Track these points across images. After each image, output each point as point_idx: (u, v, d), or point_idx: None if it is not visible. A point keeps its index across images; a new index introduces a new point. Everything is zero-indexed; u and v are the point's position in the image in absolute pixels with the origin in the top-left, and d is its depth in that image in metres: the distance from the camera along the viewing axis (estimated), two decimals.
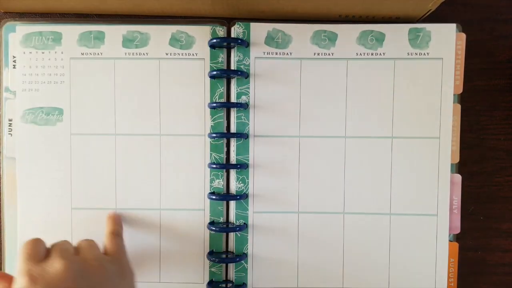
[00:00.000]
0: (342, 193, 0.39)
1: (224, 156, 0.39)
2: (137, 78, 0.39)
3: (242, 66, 0.39)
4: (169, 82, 0.39)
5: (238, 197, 0.38)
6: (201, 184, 0.39)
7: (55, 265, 0.30)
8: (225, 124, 0.39)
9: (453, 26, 0.38)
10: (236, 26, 0.39)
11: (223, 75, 0.38)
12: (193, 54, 0.39)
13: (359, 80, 0.38)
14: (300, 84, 0.39)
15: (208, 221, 0.39)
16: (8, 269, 0.40)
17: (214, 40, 0.38)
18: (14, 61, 0.40)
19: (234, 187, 0.39)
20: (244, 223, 0.39)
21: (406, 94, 0.38)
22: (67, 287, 0.30)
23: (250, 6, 0.38)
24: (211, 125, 0.39)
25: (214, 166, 0.38)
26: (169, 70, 0.39)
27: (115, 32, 0.39)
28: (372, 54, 0.38)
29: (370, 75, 0.38)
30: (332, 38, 0.38)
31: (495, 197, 0.41)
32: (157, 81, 0.39)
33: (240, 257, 0.38)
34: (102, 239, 0.36)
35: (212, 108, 0.39)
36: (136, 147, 0.39)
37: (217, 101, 0.39)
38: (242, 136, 0.38)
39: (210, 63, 0.39)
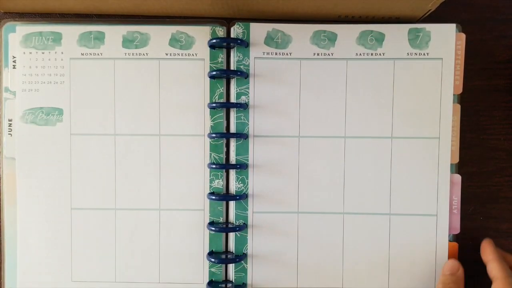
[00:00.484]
0: (341, 194, 0.39)
1: (223, 156, 0.39)
2: (137, 78, 0.39)
3: (241, 66, 0.39)
4: (169, 82, 0.39)
5: (237, 197, 0.38)
6: (201, 184, 0.39)
7: None
8: (225, 124, 0.39)
9: (452, 26, 0.38)
10: (236, 26, 0.39)
11: (222, 75, 0.38)
12: (193, 55, 0.39)
13: (358, 80, 0.38)
14: (300, 84, 0.39)
15: (208, 221, 0.39)
16: (8, 269, 0.40)
17: (214, 40, 0.38)
18: (14, 61, 0.40)
19: (233, 187, 0.39)
20: (244, 223, 0.39)
21: (406, 94, 0.38)
22: None
23: (250, 6, 0.38)
24: (211, 125, 0.39)
25: (214, 166, 0.38)
26: (169, 70, 0.39)
27: (115, 33, 0.39)
28: (371, 54, 0.38)
29: (370, 75, 0.38)
30: (331, 38, 0.38)
31: (495, 197, 0.41)
32: (157, 81, 0.39)
33: (239, 257, 0.38)
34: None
35: (211, 108, 0.39)
36: (136, 147, 0.39)
37: (216, 101, 0.39)
38: (242, 136, 0.38)
39: (210, 63, 0.39)
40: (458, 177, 0.39)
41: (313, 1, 0.36)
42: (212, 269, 0.39)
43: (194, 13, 0.40)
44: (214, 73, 0.38)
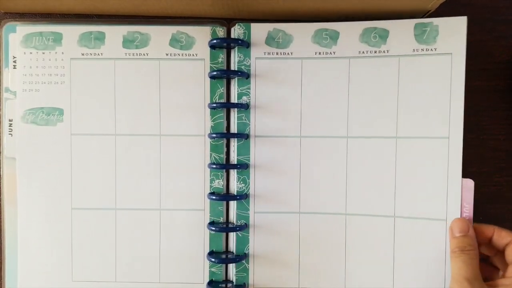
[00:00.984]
0: (344, 195, 0.38)
1: (224, 156, 0.39)
2: (137, 79, 0.39)
3: (243, 67, 0.39)
4: (169, 82, 0.39)
5: (238, 197, 0.38)
6: (201, 184, 0.39)
7: None
8: (225, 125, 0.39)
9: (463, 19, 0.36)
10: (236, 26, 0.39)
11: (223, 75, 0.39)
12: (193, 55, 0.39)
13: (361, 79, 0.38)
14: (301, 83, 0.38)
15: (208, 221, 0.39)
16: (8, 268, 0.40)
17: (215, 41, 0.38)
18: (15, 62, 0.40)
19: (234, 187, 0.39)
20: (245, 223, 0.39)
21: (412, 91, 0.37)
22: None
23: (250, 6, 0.38)
24: (211, 126, 0.39)
25: (214, 166, 0.38)
26: (169, 70, 0.39)
27: (115, 33, 0.39)
28: (375, 52, 0.37)
29: (374, 73, 0.37)
30: (333, 37, 0.38)
31: (495, 197, 0.41)
32: (157, 82, 0.39)
33: (240, 257, 0.38)
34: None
35: (212, 108, 0.39)
36: (136, 147, 0.39)
37: (217, 101, 0.39)
38: (243, 136, 0.38)
39: (210, 63, 0.39)
40: (470, 182, 0.36)
41: (314, 0, 0.36)
42: (213, 269, 0.39)
43: (195, 14, 0.41)
44: (215, 73, 0.38)
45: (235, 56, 0.39)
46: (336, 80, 0.38)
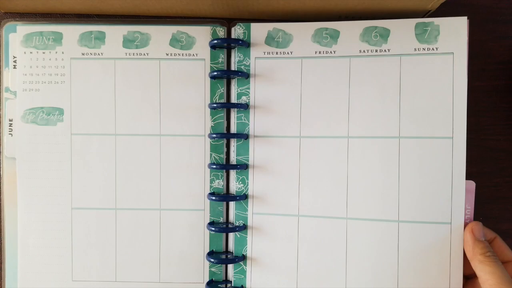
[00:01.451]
0: (344, 197, 0.37)
1: (224, 156, 0.39)
2: (137, 78, 0.39)
3: (242, 67, 0.39)
4: (169, 82, 0.39)
5: (237, 197, 0.38)
6: (201, 184, 0.39)
7: None
8: (225, 125, 0.39)
9: (464, 19, 0.36)
10: (237, 27, 0.39)
11: (223, 75, 0.39)
12: (193, 55, 0.39)
13: (362, 78, 0.37)
14: (301, 83, 0.38)
15: (208, 221, 0.39)
16: (8, 268, 0.40)
17: (215, 41, 0.38)
18: (15, 61, 0.40)
19: (234, 187, 0.39)
20: (244, 224, 0.39)
21: (414, 91, 0.36)
22: None
23: (250, 6, 0.38)
24: (211, 126, 0.39)
25: (214, 166, 0.38)
26: (170, 70, 0.39)
27: (115, 32, 0.39)
28: (376, 51, 0.37)
29: (374, 72, 0.37)
30: (333, 36, 0.38)
31: (494, 198, 0.41)
32: (157, 82, 0.39)
33: (238, 258, 0.38)
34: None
35: (212, 108, 0.39)
36: (136, 147, 0.39)
37: (217, 101, 0.39)
38: (242, 136, 0.38)
39: (211, 63, 0.39)
40: (471, 184, 0.36)
41: (314, 0, 0.36)
42: (212, 269, 0.39)
43: (195, 13, 0.41)
44: (215, 73, 0.38)
45: (235, 56, 0.39)
46: (336, 79, 0.38)
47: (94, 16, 0.42)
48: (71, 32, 0.39)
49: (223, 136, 0.39)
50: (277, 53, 0.38)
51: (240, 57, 0.39)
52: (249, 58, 0.38)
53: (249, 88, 0.39)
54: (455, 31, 0.36)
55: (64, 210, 0.39)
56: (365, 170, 0.37)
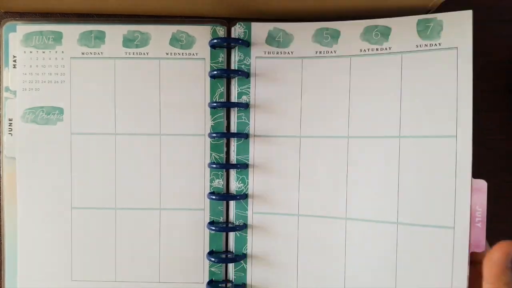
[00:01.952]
0: (344, 197, 0.37)
1: (224, 156, 0.39)
2: (137, 78, 0.39)
3: (242, 66, 0.39)
4: (169, 82, 0.39)
5: (237, 197, 0.38)
6: (201, 184, 0.39)
7: None
8: (225, 124, 0.39)
9: (469, 13, 0.34)
10: (237, 26, 0.39)
11: (223, 75, 0.39)
12: (193, 54, 0.39)
13: (363, 77, 0.37)
14: (301, 83, 0.38)
15: (208, 220, 0.39)
16: (8, 268, 0.39)
17: (215, 41, 0.38)
18: (15, 61, 0.40)
19: (234, 187, 0.39)
20: (244, 223, 0.39)
21: (416, 88, 0.35)
22: None
23: (250, 6, 0.38)
24: (211, 125, 0.39)
25: (214, 166, 0.38)
26: (170, 70, 0.39)
27: (115, 32, 0.39)
28: (377, 50, 0.37)
29: (375, 71, 0.36)
30: (334, 36, 0.37)
31: (494, 198, 0.41)
32: (157, 81, 0.39)
33: (239, 257, 0.38)
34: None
35: (212, 108, 0.39)
36: (137, 146, 0.39)
37: (217, 100, 0.39)
38: (242, 136, 0.38)
39: (211, 63, 0.39)
40: (483, 183, 0.33)
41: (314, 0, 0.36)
42: (212, 269, 0.39)
43: (195, 13, 0.41)
44: (215, 72, 0.38)
45: (235, 56, 0.39)
46: (336, 79, 0.37)
47: (94, 16, 0.42)
48: (71, 31, 0.39)
49: (223, 135, 0.39)
50: (277, 52, 0.38)
51: (240, 56, 0.39)
52: (250, 58, 0.38)
53: (249, 88, 0.39)
54: (459, 25, 0.35)
55: (63, 210, 0.39)
56: (365, 169, 0.37)
